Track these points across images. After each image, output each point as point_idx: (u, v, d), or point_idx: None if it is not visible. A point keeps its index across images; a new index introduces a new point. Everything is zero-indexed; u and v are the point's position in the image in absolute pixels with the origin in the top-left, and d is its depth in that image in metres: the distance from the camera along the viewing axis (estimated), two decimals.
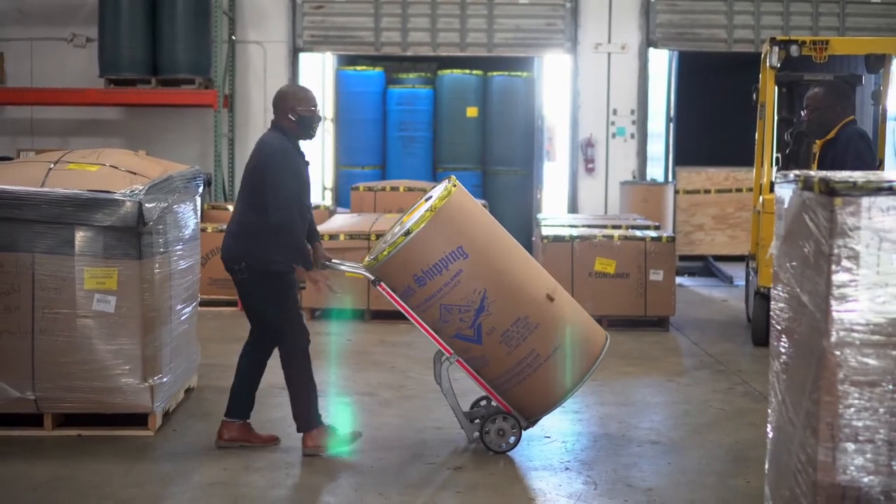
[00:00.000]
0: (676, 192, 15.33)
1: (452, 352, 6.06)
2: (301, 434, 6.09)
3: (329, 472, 5.82)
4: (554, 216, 13.32)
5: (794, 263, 3.33)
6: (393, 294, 6.07)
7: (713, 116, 16.41)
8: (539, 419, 6.22)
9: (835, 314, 3.02)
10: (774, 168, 9.67)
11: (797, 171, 3.34)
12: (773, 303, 3.54)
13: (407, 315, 6.11)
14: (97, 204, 6.14)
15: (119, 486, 5.49)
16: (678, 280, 14.36)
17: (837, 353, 3.03)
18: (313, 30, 15.17)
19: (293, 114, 6.08)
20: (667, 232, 10.89)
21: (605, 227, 11.02)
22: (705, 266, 15.36)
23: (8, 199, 6.14)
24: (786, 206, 3.42)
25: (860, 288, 3.01)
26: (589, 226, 11.15)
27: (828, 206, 3.02)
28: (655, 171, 15.94)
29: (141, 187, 6.24)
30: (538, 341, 5.98)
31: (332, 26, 15.19)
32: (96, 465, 5.81)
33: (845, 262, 3.01)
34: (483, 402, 6.51)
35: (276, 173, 5.91)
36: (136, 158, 6.89)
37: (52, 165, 6.48)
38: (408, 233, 5.86)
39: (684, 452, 6.24)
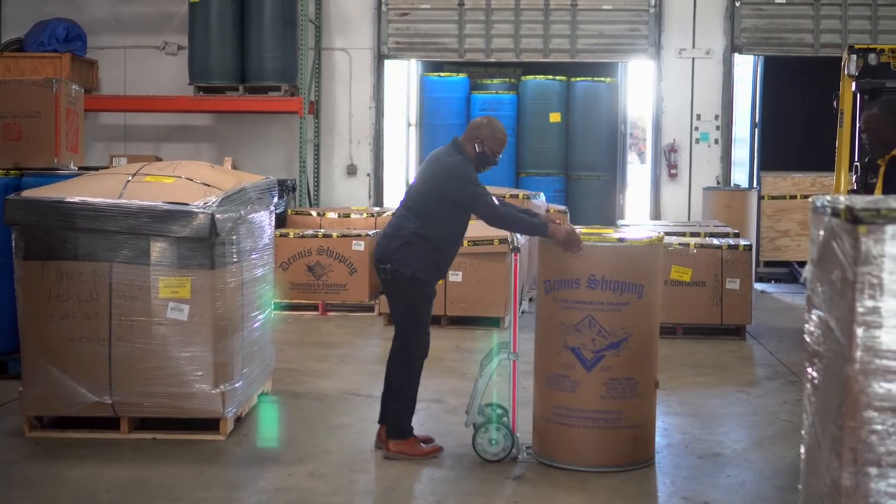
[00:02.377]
0: (761, 197, 15.20)
1: (517, 350, 6.22)
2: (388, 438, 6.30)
3: (390, 479, 5.96)
4: (634, 222, 13.31)
5: (824, 288, 3.36)
6: (518, 266, 6.28)
7: (799, 121, 16.22)
8: (542, 461, 6.19)
9: (859, 341, 3.05)
10: (853, 176, 9.59)
11: (829, 197, 3.37)
12: (806, 325, 3.58)
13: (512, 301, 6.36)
14: (172, 216, 6.35)
15: (188, 489, 5.68)
16: (761, 287, 14.34)
17: (861, 378, 3.06)
18: (398, 37, 15.37)
19: (480, 145, 6.28)
20: (744, 240, 10.83)
21: (682, 234, 10.98)
22: (790, 272, 15.22)
23: (88, 210, 6.39)
24: (818, 231, 3.45)
25: (884, 316, 3.03)
26: (666, 233, 11.12)
27: (852, 234, 3.05)
28: (740, 176, 15.83)
29: (214, 199, 6.44)
30: (629, 409, 6.02)
31: (417, 33, 15.37)
32: (168, 468, 6.02)
33: (869, 290, 3.04)
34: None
35: (463, 186, 6.12)
36: (211, 171, 7.10)
37: (131, 178, 6.71)
38: (623, 240, 6.10)
39: (745, 465, 6.26)
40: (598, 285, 5.93)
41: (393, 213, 6.45)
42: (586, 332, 5.96)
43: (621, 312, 5.95)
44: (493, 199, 6.18)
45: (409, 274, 6.15)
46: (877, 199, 3.32)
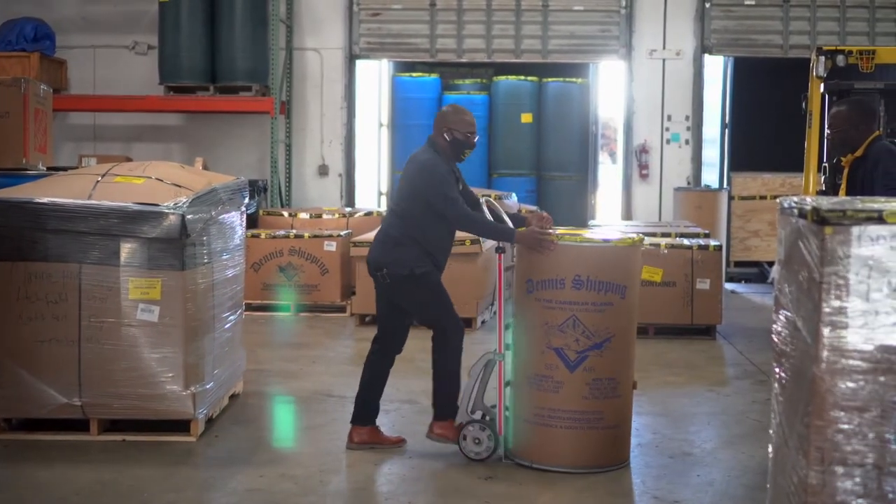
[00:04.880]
0: (732, 198, 15.29)
1: (502, 350, 6.20)
2: (432, 421, 6.38)
3: (361, 480, 5.97)
4: (605, 223, 13.35)
5: (791, 288, 3.40)
6: (501, 267, 6.23)
7: (769, 122, 16.29)
8: (521, 462, 6.17)
9: (825, 341, 3.09)
10: (821, 177, 9.65)
11: (796, 198, 3.40)
12: (773, 325, 3.61)
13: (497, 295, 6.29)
14: (142, 216, 6.32)
15: (158, 491, 5.66)
16: (732, 286, 14.41)
17: (827, 378, 3.09)
18: (369, 37, 15.36)
19: (448, 133, 6.26)
20: (714, 240, 10.89)
21: (653, 234, 11.02)
22: (760, 272, 15.31)
23: (57, 211, 6.35)
24: (785, 232, 3.49)
25: (850, 316, 3.07)
26: (637, 233, 11.16)
27: (819, 235, 3.09)
28: (710, 177, 15.91)
29: (185, 200, 6.42)
30: (610, 409, 6.02)
31: (388, 33, 15.37)
32: (138, 470, 6.00)
33: (835, 291, 3.07)
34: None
35: (432, 186, 6.11)
36: (181, 171, 7.08)
37: (100, 178, 6.68)
38: (608, 241, 6.08)
39: (715, 464, 6.29)
40: (584, 286, 5.91)
41: (382, 219, 6.46)
42: (570, 332, 5.94)
43: (605, 313, 5.95)
44: (463, 202, 6.19)
45: (406, 273, 6.16)
46: (843, 200, 3.36)
